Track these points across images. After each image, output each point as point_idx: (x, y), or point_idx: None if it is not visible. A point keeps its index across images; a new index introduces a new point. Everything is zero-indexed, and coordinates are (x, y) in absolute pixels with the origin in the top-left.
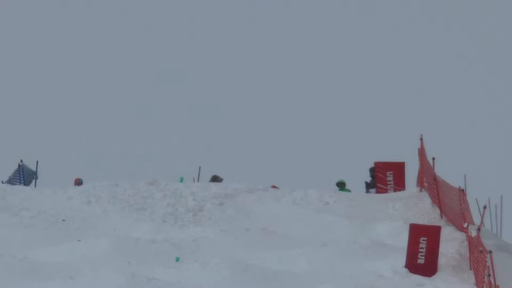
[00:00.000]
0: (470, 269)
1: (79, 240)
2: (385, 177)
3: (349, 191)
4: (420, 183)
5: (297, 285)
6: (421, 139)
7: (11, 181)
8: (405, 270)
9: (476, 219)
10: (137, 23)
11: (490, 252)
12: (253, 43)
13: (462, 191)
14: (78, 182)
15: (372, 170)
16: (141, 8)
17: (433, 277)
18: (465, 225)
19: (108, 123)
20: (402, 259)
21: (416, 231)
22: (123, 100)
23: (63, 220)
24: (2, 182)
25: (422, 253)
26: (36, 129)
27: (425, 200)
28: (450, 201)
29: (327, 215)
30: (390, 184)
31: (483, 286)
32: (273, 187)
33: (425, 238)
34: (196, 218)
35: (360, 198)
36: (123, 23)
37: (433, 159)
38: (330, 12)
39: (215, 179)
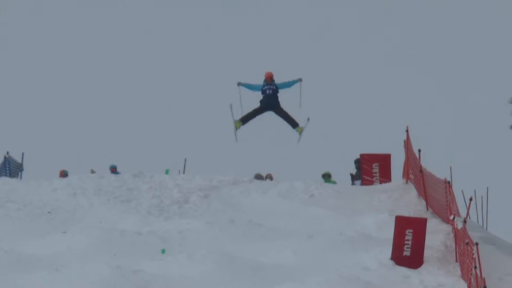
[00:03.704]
0: (456, 261)
1: (65, 232)
2: (370, 169)
3: (334, 182)
4: (406, 175)
5: (283, 277)
6: (407, 130)
7: None
8: (391, 262)
9: (462, 211)
10: (128, 18)
11: (477, 244)
12: (236, 36)
13: (448, 183)
14: (64, 174)
15: (357, 162)
16: (134, 5)
17: (419, 269)
18: (451, 217)
19: (93, 114)
20: (388, 251)
21: (402, 223)
22: (109, 92)
23: (49, 212)
24: None
25: (408, 245)
26: (22, 121)
27: (411, 192)
28: (436, 193)
29: (313, 207)
30: (376, 176)
31: (470, 278)
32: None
33: (411, 230)
34: (181, 210)
35: (346, 190)
36: (115, 19)
37: (419, 151)
38: (318, 8)
39: (259, 177)
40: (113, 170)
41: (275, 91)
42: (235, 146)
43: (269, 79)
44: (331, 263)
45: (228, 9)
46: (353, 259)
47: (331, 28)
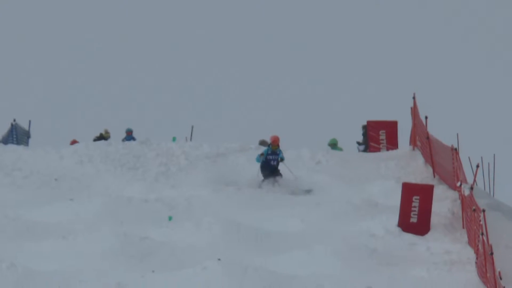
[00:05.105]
0: (463, 227)
1: (72, 199)
2: (377, 135)
3: (341, 149)
4: (413, 142)
5: (290, 245)
6: (413, 97)
7: (4, 141)
8: (398, 229)
9: (469, 178)
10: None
11: (484, 211)
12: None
13: (455, 150)
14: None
15: (364, 128)
16: None
17: (426, 236)
18: (458, 184)
19: (101, 82)
20: (394, 218)
21: (409, 190)
22: (116, 60)
23: (56, 180)
24: None
25: (414, 212)
26: (28, 88)
27: (418, 159)
28: (443, 160)
29: (320, 175)
30: (383, 143)
31: (477, 244)
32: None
33: (418, 197)
34: (188, 177)
35: (353, 158)
36: None
37: (426, 117)
38: None
39: (264, 144)
40: (129, 133)
41: (278, 163)
42: (242, 114)
43: (275, 145)
44: (338, 230)
45: None
46: (360, 226)
47: None
